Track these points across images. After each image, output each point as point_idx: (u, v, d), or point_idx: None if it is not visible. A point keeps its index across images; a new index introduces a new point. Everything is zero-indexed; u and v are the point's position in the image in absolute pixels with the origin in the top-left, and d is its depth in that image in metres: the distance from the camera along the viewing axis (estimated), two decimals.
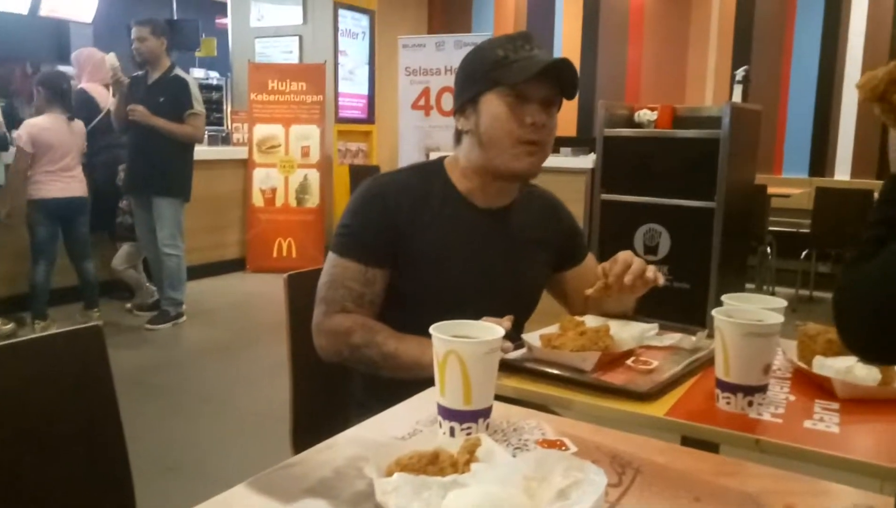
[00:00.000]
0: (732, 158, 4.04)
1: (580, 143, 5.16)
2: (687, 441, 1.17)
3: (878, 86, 0.83)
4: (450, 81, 5.52)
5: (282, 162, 6.54)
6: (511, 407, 1.13)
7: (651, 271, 1.43)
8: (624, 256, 1.45)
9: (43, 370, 1.16)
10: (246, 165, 6.52)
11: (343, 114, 7.01)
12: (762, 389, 1.15)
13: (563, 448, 1.00)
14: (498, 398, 1.06)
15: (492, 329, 1.03)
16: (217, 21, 9.14)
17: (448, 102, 6.13)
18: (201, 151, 5.22)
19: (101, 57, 4.83)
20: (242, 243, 6.55)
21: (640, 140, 4.39)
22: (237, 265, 6.46)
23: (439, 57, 6.26)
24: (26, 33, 7.97)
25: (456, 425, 1.00)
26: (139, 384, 3.65)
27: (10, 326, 4.38)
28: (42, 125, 4.24)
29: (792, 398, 1.21)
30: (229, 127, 7.13)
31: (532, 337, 1.36)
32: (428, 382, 1.07)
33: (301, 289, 1.56)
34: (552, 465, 0.80)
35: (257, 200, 6.51)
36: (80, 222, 4.47)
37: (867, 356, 0.98)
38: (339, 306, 1.43)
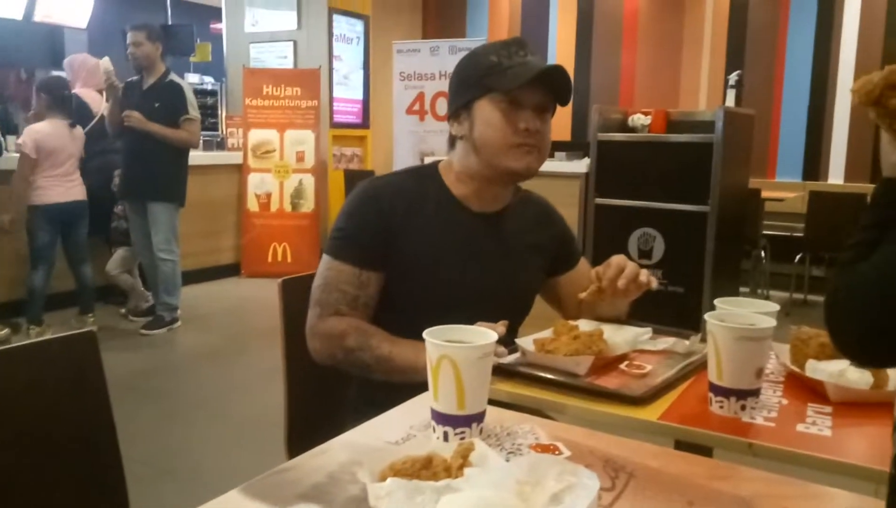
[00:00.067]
0: (726, 162, 4.05)
1: (574, 147, 5.16)
2: (680, 445, 1.17)
3: (873, 90, 0.83)
4: (444, 85, 5.51)
5: (276, 167, 6.54)
6: (505, 412, 1.14)
7: (644, 274, 1.44)
8: (617, 259, 1.45)
9: (37, 376, 1.16)
10: (241, 170, 6.52)
11: (338, 119, 7.00)
12: (755, 393, 1.15)
13: (557, 452, 1.00)
14: (491, 402, 1.07)
15: (485, 334, 1.03)
16: (212, 26, 9.14)
17: (442, 106, 6.13)
18: (196, 157, 5.22)
19: (95, 63, 4.83)
20: (237, 248, 6.55)
21: (634, 145, 4.40)
22: (232, 270, 6.46)
23: (434, 62, 6.26)
24: (21, 39, 7.97)
25: (450, 429, 1.00)
26: (134, 389, 3.64)
27: (5, 331, 4.38)
28: (45, 131, 4.25)
29: (785, 401, 1.21)
30: (224, 132, 7.12)
31: (526, 341, 1.36)
32: (422, 386, 1.07)
33: (296, 294, 1.56)
34: (545, 469, 0.80)
35: (252, 205, 6.51)
36: (81, 226, 4.49)
37: (859, 359, 0.98)
38: (334, 308, 1.43)
